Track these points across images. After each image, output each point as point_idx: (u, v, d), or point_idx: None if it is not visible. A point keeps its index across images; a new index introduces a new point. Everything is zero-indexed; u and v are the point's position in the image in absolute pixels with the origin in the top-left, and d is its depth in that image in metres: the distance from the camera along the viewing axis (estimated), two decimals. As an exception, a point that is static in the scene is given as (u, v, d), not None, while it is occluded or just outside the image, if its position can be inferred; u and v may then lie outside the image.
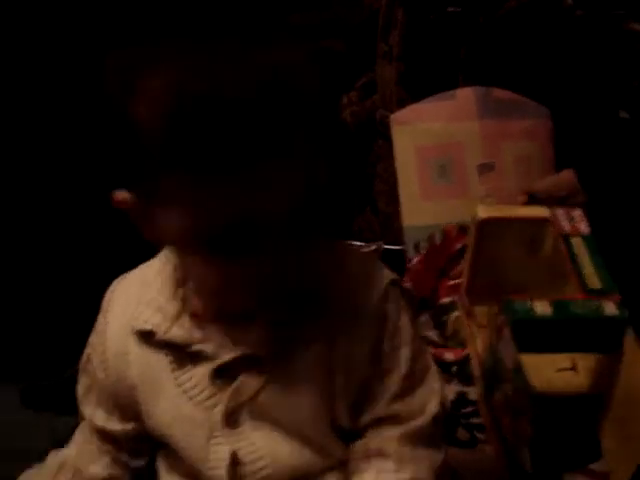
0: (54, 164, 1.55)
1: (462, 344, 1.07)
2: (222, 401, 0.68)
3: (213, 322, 0.69)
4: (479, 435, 0.95)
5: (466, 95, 1.33)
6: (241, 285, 0.63)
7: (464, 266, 1.08)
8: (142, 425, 0.74)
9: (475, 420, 0.95)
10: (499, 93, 1.35)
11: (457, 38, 1.39)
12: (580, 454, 0.80)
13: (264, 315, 0.67)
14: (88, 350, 0.76)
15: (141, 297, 0.71)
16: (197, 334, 0.69)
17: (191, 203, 0.60)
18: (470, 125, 1.32)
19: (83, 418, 0.77)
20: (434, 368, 0.72)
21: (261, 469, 0.68)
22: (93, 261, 1.49)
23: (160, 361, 0.70)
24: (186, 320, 0.69)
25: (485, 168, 1.31)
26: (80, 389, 0.77)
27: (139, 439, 0.75)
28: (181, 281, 0.71)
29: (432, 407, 0.71)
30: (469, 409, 0.98)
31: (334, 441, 0.70)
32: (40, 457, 1.12)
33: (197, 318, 0.69)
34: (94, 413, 0.75)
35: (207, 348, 0.68)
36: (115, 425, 0.75)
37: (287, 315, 0.66)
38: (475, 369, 0.98)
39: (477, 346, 1.00)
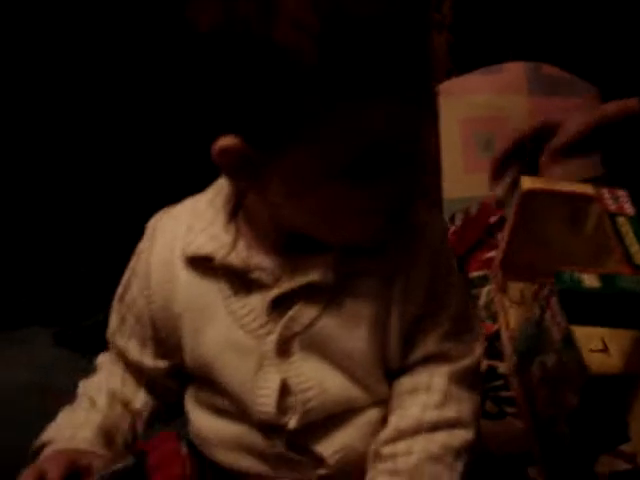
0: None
1: (493, 318, 1.06)
2: (275, 330, 0.68)
3: (269, 253, 0.69)
4: (508, 409, 0.95)
5: (515, 69, 1.32)
6: (373, 212, 0.65)
7: (500, 239, 1.08)
8: (175, 362, 0.74)
9: (504, 394, 0.95)
10: (548, 69, 1.33)
11: (508, 13, 1.38)
12: (610, 435, 0.80)
13: (335, 246, 0.67)
14: (127, 277, 0.75)
15: (193, 225, 0.71)
16: (255, 262, 0.68)
17: (351, 125, 0.60)
18: (518, 99, 1.30)
19: (116, 349, 0.78)
20: (477, 314, 0.74)
21: (309, 400, 0.68)
22: (127, 205, 1.50)
23: (211, 288, 0.70)
24: (243, 249, 0.69)
25: (530, 143, 1.30)
26: (114, 319, 0.77)
27: (170, 377, 0.76)
28: (233, 213, 0.71)
29: (478, 350, 0.72)
30: (498, 382, 0.98)
31: (380, 378, 0.70)
32: (69, 394, 1.16)
33: (253, 249, 0.69)
34: (127, 345, 0.76)
35: (265, 276, 0.68)
36: (148, 361, 0.75)
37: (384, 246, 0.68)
38: (506, 344, 0.98)
39: (510, 321, 0.99)
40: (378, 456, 0.69)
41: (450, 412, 0.69)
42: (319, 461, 0.69)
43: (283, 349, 0.68)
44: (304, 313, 0.68)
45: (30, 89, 1.48)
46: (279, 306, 0.68)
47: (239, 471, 0.72)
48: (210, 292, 0.70)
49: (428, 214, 0.73)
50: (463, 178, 1.29)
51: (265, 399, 0.68)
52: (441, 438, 0.69)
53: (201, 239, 0.69)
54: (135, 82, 1.44)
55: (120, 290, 0.76)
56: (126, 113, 1.46)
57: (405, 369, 0.71)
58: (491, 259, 1.10)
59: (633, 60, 1.33)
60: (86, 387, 0.77)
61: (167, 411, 0.78)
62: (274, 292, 0.68)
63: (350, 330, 0.68)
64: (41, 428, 1.02)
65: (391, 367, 0.71)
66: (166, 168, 1.46)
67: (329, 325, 0.68)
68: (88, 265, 1.56)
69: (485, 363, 0.96)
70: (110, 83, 1.45)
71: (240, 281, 0.69)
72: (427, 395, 0.69)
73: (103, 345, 1.25)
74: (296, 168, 0.63)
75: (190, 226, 0.71)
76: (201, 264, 0.70)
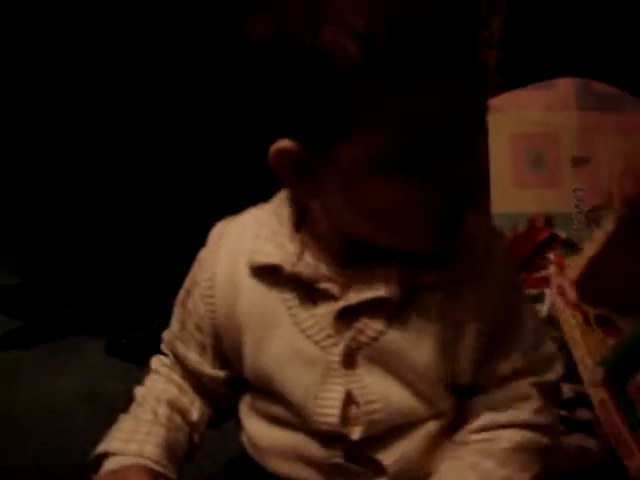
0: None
1: (555, 339, 1.04)
2: (341, 341, 0.68)
3: (334, 264, 0.69)
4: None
5: (565, 85, 1.32)
6: (428, 210, 0.64)
7: (582, 255, 1.05)
8: (233, 370, 0.75)
9: (562, 413, 0.95)
10: (598, 85, 1.33)
11: (558, 28, 1.38)
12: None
13: (400, 257, 0.67)
14: (188, 284, 0.76)
15: (259, 234, 0.71)
16: (322, 272, 0.69)
17: (400, 118, 0.61)
18: (567, 116, 1.30)
19: (174, 355, 0.78)
20: None
21: (374, 411, 0.68)
22: (176, 215, 1.51)
23: (276, 298, 0.70)
24: (309, 259, 0.69)
25: (580, 161, 1.29)
26: (174, 324, 0.77)
27: (226, 385, 0.76)
28: (297, 225, 0.71)
29: (559, 365, 0.73)
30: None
31: (442, 393, 0.70)
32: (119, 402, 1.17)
33: (319, 260, 0.69)
34: (187, 352, 0.76)
35: (333, 288, 0.68)
36: (207, 368, 0.75)
37: (442, 253, 0.68)
38: (584, 364, 0.97)
39: (587, 343, 0.98)
40: (465, 443, 0.70)
41: (543, 419, 0.70)
42: (377, 472, 0.70)
43: (348, 360, 0.69)
44: (370, 326, 0.68)
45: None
46: (345, 317, 0.68)
47: (293, 481, 0.72)
48: (275, 302, 0.70)
49: (487, 225, 0.73)
50: (511, 193, 1.29)
51: (329, 409, 0.69)
52: (531, 436, 0.70)
53: (268, 248, 0.70)
54: (196, 101, 1.46)
55: (181, 296, 0.77)
56: (187, 126, 1.47)
57: (492, 384, 0.71)
58: (544, 278, 1.09)
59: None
60: (145, 395, 0.77)
61: (219, 417, 0.79)
62: (341, 304, 0.68)
63: (415, 345, 0.68)
64: (91, 437, 1.03)
65: (459, 382, 0.71)
66: (217, 179, 1.48)
67: (394, 339, 0.68)
68: (138, 273, 1.58)
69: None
70: (172, 100, 1.47)
71: (305, 291, 0.69)
72: (523, 403, 0.70)
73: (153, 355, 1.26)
74: (349, 166, 0.63)
75: (256, 235, 0.71)
76: (266, 273, 0.70)
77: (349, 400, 0.69)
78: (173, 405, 0.76)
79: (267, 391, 0.72)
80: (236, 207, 0.78)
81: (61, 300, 1.61)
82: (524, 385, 0.70)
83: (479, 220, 0.72)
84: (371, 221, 0.66)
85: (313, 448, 0.70)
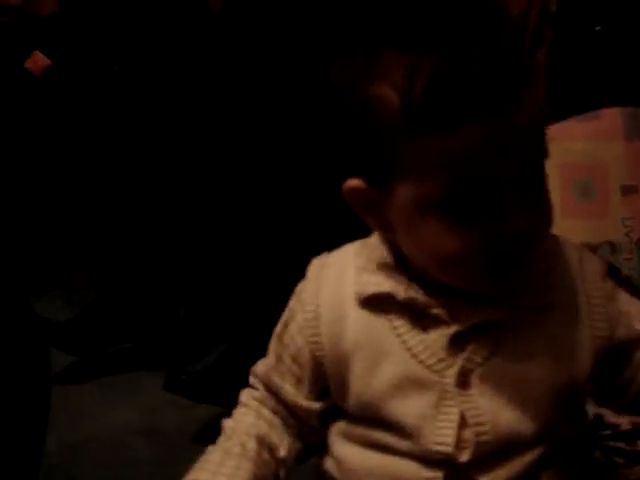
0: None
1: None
2: (454, 364, 0.70)
3: (440, 290, 0.70)
4: (617, 459, 0.94)
5: (612, 115, 1.32)
6: (480, 249, 0.66)
7: None
8: (329, 402, 0.76)
9: (613, 443, 0.95)
10: (646, 114, 1.33)
11: (604, 57, 1.38)
12: None
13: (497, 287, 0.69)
14: (286, 317, 0.77)
15: (363, 266, 0.73)
16: (434, 298, 0.70)
17: (438, 163, 0.64)
18: (616, 145, 1.30)
19: (268, 388, 0.78)
20: None
21: (482, 433, 0.69)
22: (224, 254, 1.53)
23: (384, 326, 0.71)
24: (418, 287, 0.70)
25: (629, 190, 1.29)
26: (271, 357, 0.78)
27: (318, 418, 0.77)
28: (397, 262, 0.73)
29: None
30: (606, 432, 0.97)
31: (554, 413, 0.71)
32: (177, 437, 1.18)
33: (425, 286, 0.71)
34: (283, 384, 0.77)
35: (444, 313, 0.70)
36: (302, 401, 0.76)
37: (520, 286, 0.69)
38: None
39: None
40: None
41: None
42: None
43: (463, 382, 0.70)
44: (482, 348, 0.70)
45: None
46: (456, 341, 0.70)
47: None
48: (383, 330, 0.72)
49: (559, 238, 0.75)
50: (559, 223, 1.28)
51: (445, 431, 0.70)
52: None
53: (378, 278, 0.72)
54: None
55: (278, 329, 0.78)
56: (259, 163, 1.49)
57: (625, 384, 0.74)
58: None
59: None
60: (234, 428, 0.77)
61: (305, 453, 0.79)
62: (453, 328, 0.70)
63: (526, 364, 0.70)
64: (151, 469, 1.05)
65: (578, 394, 0.73)
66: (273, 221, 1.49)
67: (505, 359, 0.70)
68: (187, 308, 1.60)
69: (592, 411, 0.96)
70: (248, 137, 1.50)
71: (415, 318, 0.71)
72: None
73: (212, 390, 1.28)
74: (402, 205, 0.67)
75: (359, 267, 0.73)
76: (373, 303, 0.72)
77: (462, 422, 0.70)
78: (262, 440, 0.76)
79: (370, 418, 0.73)
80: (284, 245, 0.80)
81: (114, 336, 1.63)
82: None
83: (565, 242, 0.75)
84: (429, 258, 0.68)
85: (412, 471, 0.71)
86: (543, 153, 0.68)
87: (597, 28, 1.40)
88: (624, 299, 0.75)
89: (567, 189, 1.30)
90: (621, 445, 0.91)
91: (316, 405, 0.76)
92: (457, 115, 0.62)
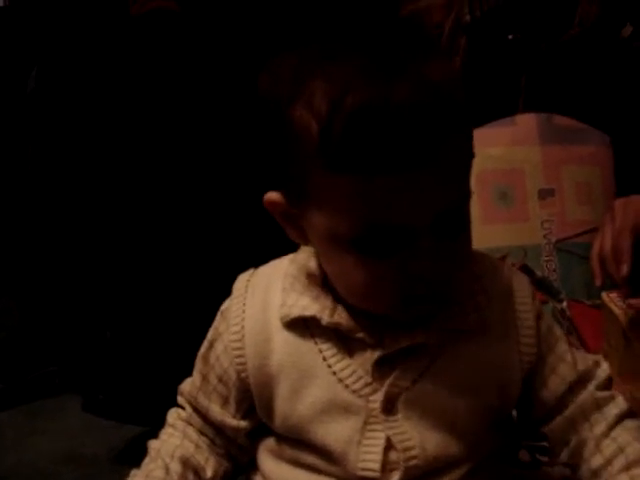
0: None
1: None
2: (380, 388, 0.69)
3: (367, 313, 0.70)
4: (541, 457, 0.95)
5: (527, 121, 1.34)
6: (388, 285, 0.65)
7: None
8: (256, 421, 0.75)
9: (537, 443, 0.96)
10: (560, 120, 1.36)
11: (518, 65, 1.41)
12: None
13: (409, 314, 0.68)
14: (210, 337, 0.76)
15: (290, 286, 0.72)
16: (359, 322, 0.69)
17: (347, 208, 0.63)
18: (531, 151, 1.32)
19: (195, 408, 0.77)
20: None
21: (411, 458, 0.69)
22: (154, 271, 1.51)
23: (310, 350, 0.71)
24: (342, 310, 0.70)
25: (546, 193, 1.31)
26: (196, 377, 0.77)
27: (247, 436, 0.76)
28: (325, 277, 0.72)
29: (600, 359, 0.77)
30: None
31: (482, 432, 0.71)
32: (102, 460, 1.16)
33: (351, 310, 0.70)
34: (209, 405, 0.76)
35: (369, 337, 0.69)
36: (229, 420, 0.76)
37: (436, 311, 0.69)
38: None
39: None
40: (600, 444, 0.72)
41: (621, 404, 0.74)
42: None
43: (388, 407, 0.69)
44: (409, 371, 0.69)
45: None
46: (383, 365, 0.69)
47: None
48: (309, 353, 0.71)
49: (507, 267, 0.76)
50: (480, 229, 1.30)
51: (371, 456, 0.69)
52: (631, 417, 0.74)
53: (304, 300, 0.71)
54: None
55: (203, 349, 0.77)
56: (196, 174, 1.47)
57: (554, 409, 0.74)
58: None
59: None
60: (158, 449, 0.76)
61: (234, 473, 0.79)
62: (379, 352, 0.69)
63: (455, 388, 0.69)
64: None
65: (504, 414, 0.73)
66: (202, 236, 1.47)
67: (433, 382, 0.69)
68: (113, 330, 1.57)
69: (515, 413, 0.97)
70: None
71: (341, 342, 0.70)
72: (602, 410, 0.73)
73: (134, 410, 1.26)
74: (315, 230, 0.66)
75: (286, 288, 0.72)
76: (300, 326, 0.71)
77: (388, 446, 0.69)
78: (186, 462, 0.75)
79: (298, 440, 0.72)
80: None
81: (37, 360, 1.59)
82: (590, 393, 0.74)
83: (495, 262, 0.75)
84: (343, 286, 0.68)
85: None
86: (466, 196, 0.67)
87: (510, 37, 1.43)
88: (548, 317, 0.76)
89: (486, 195, 1.32)
90: (544, 444, 0.91)
91: (244, 424, 0.76)
92: (373, 165, 0.61)
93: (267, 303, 0.73)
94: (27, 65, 1.65)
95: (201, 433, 0.77)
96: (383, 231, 0.63)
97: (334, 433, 0.70)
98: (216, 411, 0.76)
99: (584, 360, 0.76)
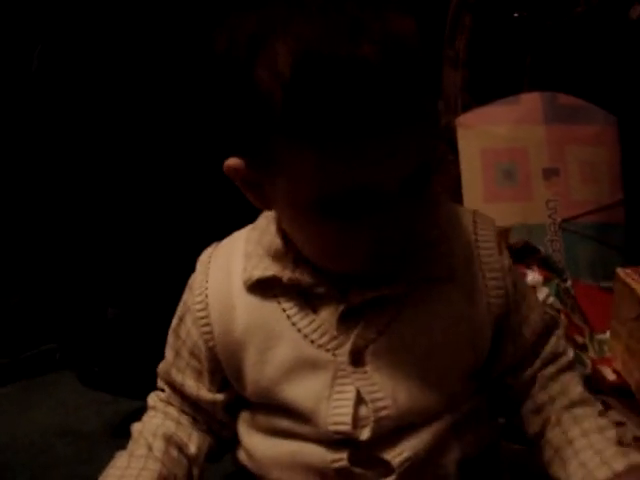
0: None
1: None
2: (347, 341, 0.68)
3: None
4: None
5: (532, 100, 1.34)
6: (356, 246, 0.63)
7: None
8: (232, 394, 0.74)
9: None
10: (565, 98, 1.35)
11: (523, 43, 1.40)
12: None
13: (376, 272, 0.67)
14: (180, 311, 0.76)
15: (251, 251, 0.71)
16: (321, 279, 0.68)
17: (314, 171, 0.60)
18: (536, 129, 1.32)
19: (172, 384, 0.77)
20: None
21: (381, 409, 0.67)
22: (154, 250, 1.50)
23: (274, 310, 0.70)
24: (304, 267, 0.68)
25: (550, 172, 1.31)
26: (169, 353, 0.77)
27: (226, 410, 0.75)
28: (286, 241, 0.71)
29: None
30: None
31: (456, 382, 0.70)
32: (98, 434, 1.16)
33: (314, 268, 0.69)
34: (184, 379, 0.75)
35: (332, 291, 0.68)
36: (204, 394, 0.75)
37: (413, 259, 0.67)
38: None
39: None
40: (546, 384, 0.73)
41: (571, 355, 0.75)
42: (384, 473, 0.68)
43: (356, 359, 0.68)
44: (375, 323, 0.68)
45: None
46: (349, 318, 0.68)
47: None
48: (273, 314, 0.70)
49: (454, 206, 0.75)
50: (482, 207, 1.29)
51: (342, 410, 0.68)
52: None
53: (265, 262, 0.70)
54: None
55: (173, 325, 0.76)
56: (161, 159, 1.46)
57: (525, 359, 0.73)
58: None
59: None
60: (141, 430, 0.75)
61: (219, 450, 0.78)
62: (344, 305, 0.68)
63: (425, 337, 0.68)
64: (72, 469, 1.01)
65: (478, 364, 0.71)
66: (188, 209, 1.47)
67: (402, 331, 0.68)
68: (115, 307, 1.56)
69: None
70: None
71: (304, 299, 0.69)
72: (557, 360, 0.74)
73: (128, 384, 1.24)
74: (282, 197, 0.65)
75: (247, 253, 0.72)
76: (261, 288, 0.70)
77: (359, 401, 0.68)
78: (169, 439, 0.74)
79: (269, 405, 0.71)
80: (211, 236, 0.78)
81: (36, 337, 1.59)
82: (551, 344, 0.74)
83: (460, 210, 0.73)
84: (308, 248, 0.67)
85: (317, 454, 0.69)
86: (433, 159, 0.64)
87: (515, 15, 1.42)
88: (522, 282, 0.76)
89: (489, 173, 1.31)
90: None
91: (219, 397, 0.75)
92: (341, 128, 0.58)
93: (229, 271, 0.72)
94: (31, 43, 1.64)
95: (182, 411, 0.77)
96: (349, 193, 0.61)
97: (304, 390, 0.69)
98: (191, 385, 0.75)
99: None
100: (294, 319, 0.69)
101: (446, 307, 0.69)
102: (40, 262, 1.64)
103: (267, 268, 0.69)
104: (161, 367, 0.78)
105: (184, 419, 0.76)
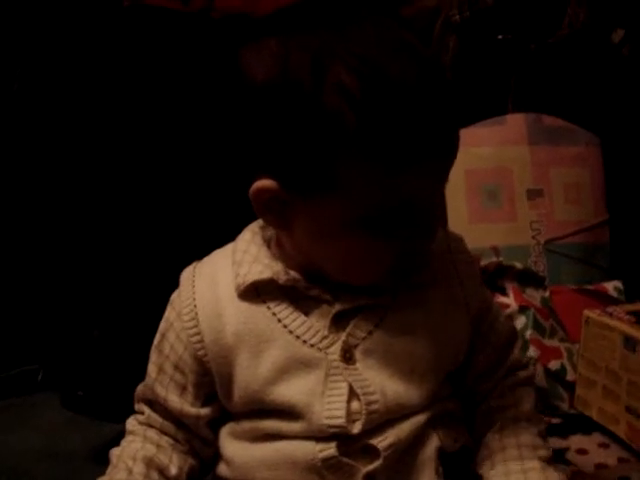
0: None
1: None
2: (338, 340, 0.71)
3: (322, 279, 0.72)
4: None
5: (516, 121, 1.34)
6: (378, 261, 0.68)
7: None
8: (216, 408, 0.75)
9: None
10: (549, 120, 1.36)
11: (507, 65, 1.41)
12: None
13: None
14: (162, 328, 0.77)
15: (240, 260, 0.74)
16: (312, 282, 0.72)
17: (375, 187, 0.64)
18: (520, 150, 1.32)
19: (152, 404, 0.77)
20: None
21: (372, 402, 0.70)
22: (140, 271, 1.50)
23: (264, 314, 0.72)
24: (295, 273, 0.72)
25: (534, 193, 1.31)
26: (152, 370, 0.77)
27: (208, 427, 0.76)
28: (273, 248, 0.74)
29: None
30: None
31: (437, 380, 0.74)
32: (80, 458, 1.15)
33: (302, 274, 0.72)
34: (167, 394, 0.76)
35: (325, 294, 0.72)
36: (188, 408, 0.75)
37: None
38: None
39: None
40: (503, 427, 0.77)
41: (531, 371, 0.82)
42: (369, 460, 0.71)
43: (347, 356, 0.71)
44: (365, 323, 0.72)
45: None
46: (339, 319, 0.72)
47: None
48: (263, 318, 0.72)
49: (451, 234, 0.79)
50: (467, 228, 1.30)
51: (336, 404, 0.70)
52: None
53: (257, 267, 0.72)
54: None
55: (156, 342, 0.77)
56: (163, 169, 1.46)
57: (494, 367, 0.79)
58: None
59: (634, 110, 1.35)
60: (119, 455, 0.76)
61: (200, 471, 0.78)
62: (336, 308, 0.72)
63: (409, 337, 0.72)
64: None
65: (457, 363, 0.76)
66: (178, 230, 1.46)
67: (389, 332, 0.72)
68: (101, 328, 1.55)
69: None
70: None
71: (295, 303, 0.72)
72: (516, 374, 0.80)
73: (112, 408, 1.23)
74: (321, 215, 0.67)
75: (237, 261, 0.74)
76: (251, 294, 0.73)
77: (351, 396, 0.71)
78: (150, 462, 0.74)
79: (256, 410, 0.73)
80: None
81: (19, 357, 1.57)
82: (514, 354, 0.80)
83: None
84: (332, 262, 0.70)
85: (304, 449, 0.71)
86: None
87: (499, 37, 1.43)
88: (490, 294, 0.83)
89: (474, 194, 1.31)
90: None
91: (203, 411, 0.76)
92: (411, 156, 0.63)
93: (216, 282, 0.74)
94: (12, 65, 1.64)
95: (162, 432, 0.77)
96: (400, 212, 0.66)
97: (297, 388, 0.71)
98: (174, 400, 0.76)
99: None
100: (285, 321, 0.72)
101: (429, 307, 0.73)
102: (25, 282, 1.63)
103: (262, 272, 0.72)
104: (139, 388, 0.78)
105: (164, 441, 0.76)
